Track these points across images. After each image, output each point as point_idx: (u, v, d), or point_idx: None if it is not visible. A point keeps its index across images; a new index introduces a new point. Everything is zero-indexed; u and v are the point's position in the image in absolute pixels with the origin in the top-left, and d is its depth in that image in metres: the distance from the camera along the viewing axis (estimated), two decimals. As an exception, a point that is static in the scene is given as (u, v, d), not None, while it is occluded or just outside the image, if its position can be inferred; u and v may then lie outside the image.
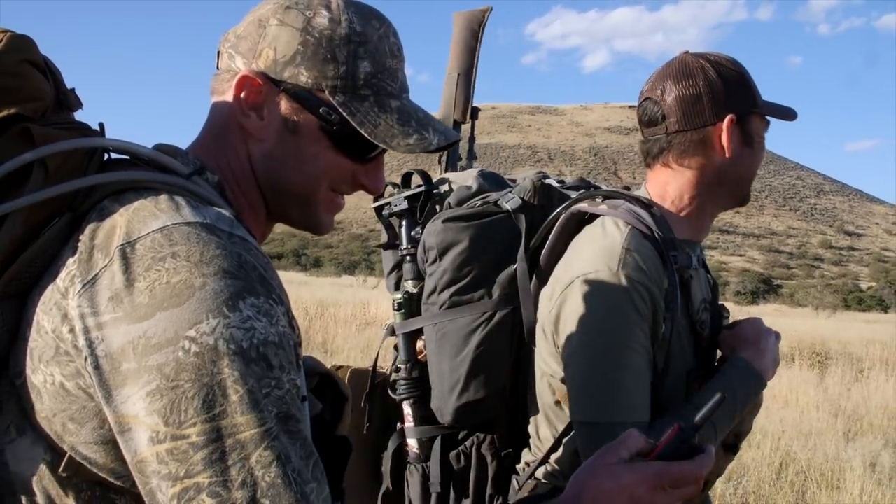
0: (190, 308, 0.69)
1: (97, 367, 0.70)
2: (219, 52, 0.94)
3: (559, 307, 1.33)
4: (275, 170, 0.91)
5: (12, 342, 0.78)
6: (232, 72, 0.90)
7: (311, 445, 0.73)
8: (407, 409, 1.57)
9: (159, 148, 0.88)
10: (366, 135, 0.88)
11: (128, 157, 0.86)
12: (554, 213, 1.44)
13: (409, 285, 1.61)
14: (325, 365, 1.05)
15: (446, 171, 1.97)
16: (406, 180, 1.69)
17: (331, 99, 0.88)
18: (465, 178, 1.64)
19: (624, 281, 1.27)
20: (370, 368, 1.67)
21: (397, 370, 1.61)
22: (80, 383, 0.72)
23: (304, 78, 0.87)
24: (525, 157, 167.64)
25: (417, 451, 1.55)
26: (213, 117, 0.93)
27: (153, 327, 0.69)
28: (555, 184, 1.54)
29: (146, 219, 0.75)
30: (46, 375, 0.74)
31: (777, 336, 1.42)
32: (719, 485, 4.65)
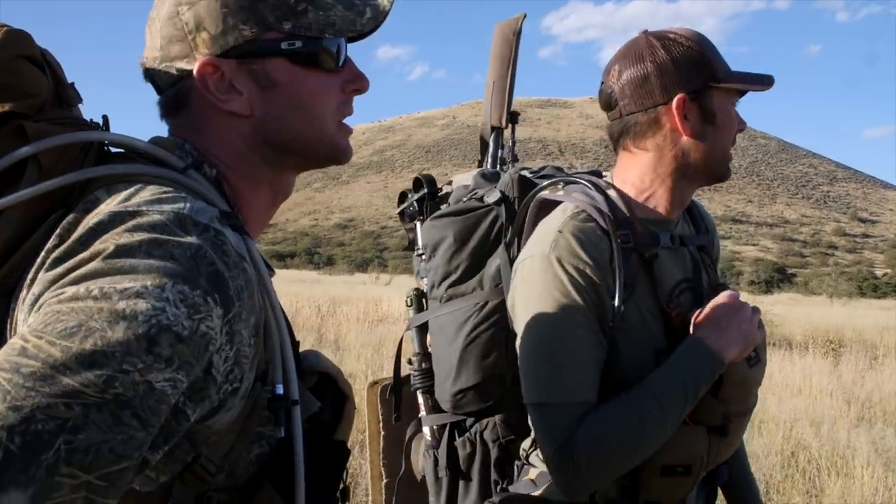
0: (119, 272, 0.67)
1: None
2: (153, 75, 0.90)
3: (511, 294, 1.38)
4: (277, 131, 0.89)
5: (1, 343, 0.74)
6: (184, 75, 0.87)
7: (133, 449, 0.63)
8: (420, 398, 1.66)
9: (157, 142, 0.87)
10: (330, 37, 0.88)
11: (124, 151, 0.84)
12: (522, 204, 1.48)
13: (422, 283, 1.70)
14: (330, 361, 1.02)
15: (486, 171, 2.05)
16: (418, 185, 1.78)
17: (280, 33, 0.86)
18: (466, 179, 1.71)
19: (555, 263, 1.29)
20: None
21: (410, 363, 1.70)
22: None
23: (247, 32, 0.85)
24: (535, 151, 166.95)
25: (430, 439, 1.64)
26: (189, 117, 0.90)
27: (81, 287, 0.67)
28: (528, 175, 1.59)
29: (123, 202, 0.74)
30: None
31: (755, 310, 1.35)
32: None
